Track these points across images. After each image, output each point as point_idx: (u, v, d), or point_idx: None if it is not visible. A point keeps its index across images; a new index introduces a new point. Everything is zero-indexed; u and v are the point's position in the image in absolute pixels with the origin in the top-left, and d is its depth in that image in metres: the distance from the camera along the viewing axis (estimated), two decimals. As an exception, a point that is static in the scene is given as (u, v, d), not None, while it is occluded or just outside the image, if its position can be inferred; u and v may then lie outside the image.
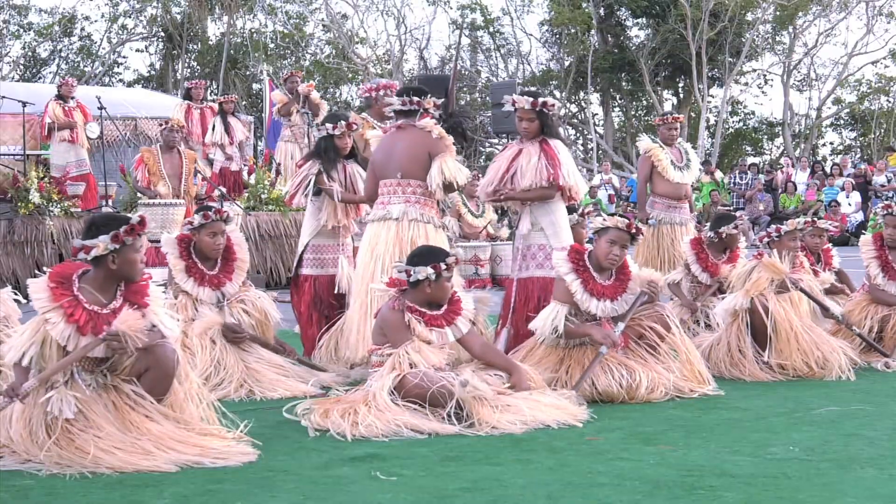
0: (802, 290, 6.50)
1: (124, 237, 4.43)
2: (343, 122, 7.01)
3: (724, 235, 7.63)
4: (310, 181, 6.95)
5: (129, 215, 4.59)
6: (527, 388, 5.23)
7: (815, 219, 7.62)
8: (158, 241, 7.63)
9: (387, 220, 6.25)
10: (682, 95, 34.84)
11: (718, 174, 23.13)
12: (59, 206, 11.70)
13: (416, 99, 6.41)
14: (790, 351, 6.27)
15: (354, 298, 6.39)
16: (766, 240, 6.83)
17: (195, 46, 36.09)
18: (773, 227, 6.83)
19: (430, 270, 5.27)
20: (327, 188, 6.89)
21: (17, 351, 4.35)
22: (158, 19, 35.70)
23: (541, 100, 6.23)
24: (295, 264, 7.28)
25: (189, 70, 36.15)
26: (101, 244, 4.42)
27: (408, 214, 6.22)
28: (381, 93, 7.97)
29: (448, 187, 6.35)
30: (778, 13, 33.07)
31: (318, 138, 7.15)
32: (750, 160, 30.65)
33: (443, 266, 5.29)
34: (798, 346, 6.28)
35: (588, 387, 5.51)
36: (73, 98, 13.64)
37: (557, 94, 35.29)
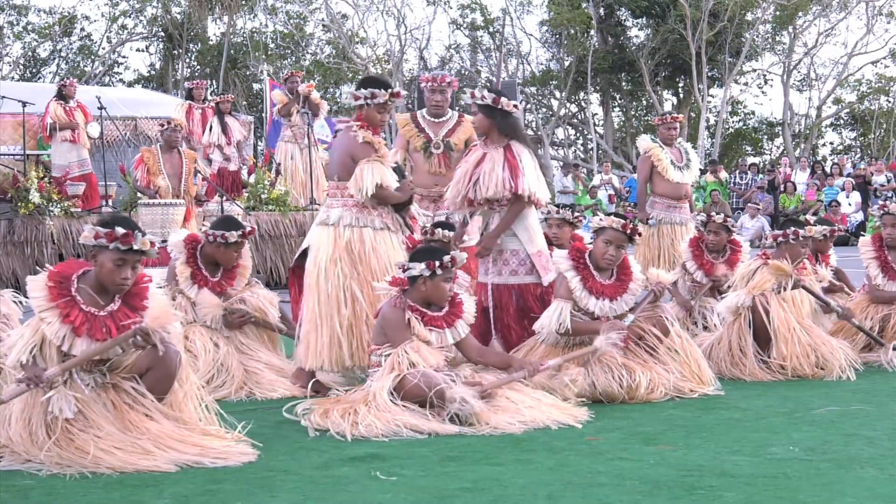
0: (804, 287, 6.49)
1: (99, 237, 4.42)
2: None
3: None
4: None
5: (126, 222, 4.53)
6: (529, 367, 5.31)
7: (830, 227, 7.49)
8: (160, 242, 7.63)
9: (326, 225, 5.94)
10: (682, 95, 34.87)
11: (723, 174, 23.07)
12: (59, 206, 11.72)
13: (361, 93, 5.83)
14: (789, 351, 6.27)
15: (304, 308, 6.00)
16: (779, 239, 6.66)
17: (195, 46, 36.09)
18: (792, 229, 6.62)
19: (423, 267, 5.27)
20: None
21: (17, 353, 4.35)
22: (158, 19, 35.70)
23: (478, 92, 6.01)
24: (297, 255, 7.28)
25: (189, 70, 36.16)
26: (88, 234, 4.47)
27: (343, 219, 5.86)
28: (428, 85, 7.44)
29: (384, 197, 5.81)
30: (778, 13, 33.09)
31: None
32: (750, 160, 30.66)
33: (437, 264, 5.29)
34: (798, 347, 6.27)
35: (588, 387, 5.52)
36: (73, 98, 13.66)
37: (557, 94, 35.33)
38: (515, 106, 6.10)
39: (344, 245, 5.82)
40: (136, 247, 4.43)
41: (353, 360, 5.80)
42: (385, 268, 5.75)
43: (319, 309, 5.84)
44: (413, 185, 6.29)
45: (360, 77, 34.23)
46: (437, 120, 7.21)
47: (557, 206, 7.45)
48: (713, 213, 7.80)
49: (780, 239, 6.65)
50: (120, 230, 4.43)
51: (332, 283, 5.79)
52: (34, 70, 35.58)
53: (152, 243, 4.51)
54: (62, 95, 13.56)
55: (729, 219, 7.82)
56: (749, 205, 20.44)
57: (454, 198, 6.22)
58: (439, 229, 6.55)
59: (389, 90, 5.82)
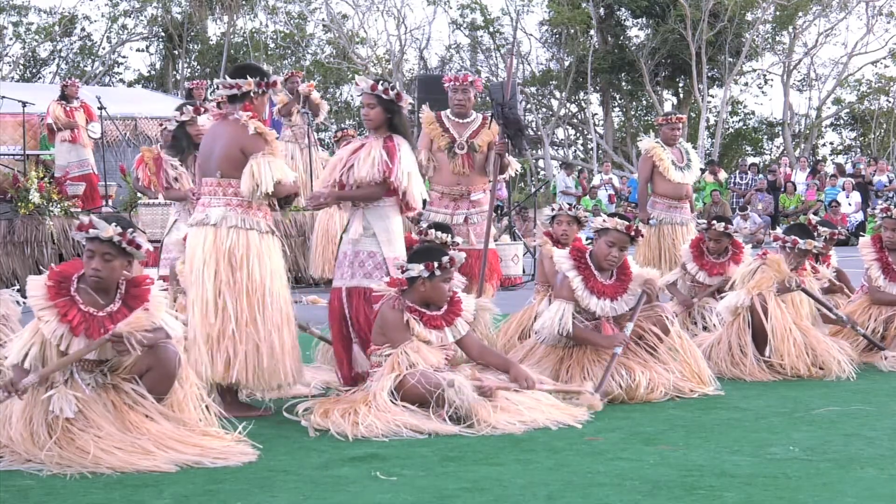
0: (804, 290, 6.50)
1: (83, 229, 4.45)
2: (190, 108, 6.80)
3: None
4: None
5: (121, 220, 4.55)
6: (526, 379, 5.27)
7: (831, 230, 7.45)
8: (159, 242, 7.64)
9: (205, 225, 5.35)
10: (682, 95, 34.84)
11: (722, 174, 23.04)
12: (59, 206, 11.72)
13: (239, 82, 5.36)
14: (785, 351, 6.28)
15: (191, 321, 5.36)
16: (778, 242, 6.70)
17: (195, 46, 36.09)
18: (792, 238, 6.60)
19: (422, 268, 5.27)
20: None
21: (17, 352, 4.36)
22: (159, 19, 35.69)
23: (381, 86, 5.64)
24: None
25: (189, 70, 36.16)
26: (78, 234, 4.51)
27: (227, 220, 5.30)
28: (451, 84, 7.32)
29: (280, 192, 5.35)
30: (778, 13, 33.08)
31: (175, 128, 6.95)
32: (750, 160, 30.64)
33: (435, 265, 5.29)
34: (794, 347, 6.28)
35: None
36: (76, 98, 13.67)
37: (557, 94, 35.33)
38: (410, 103, 5.80)
39: (226, 249, 5.28)
40: (91, 234, 4.42)
41: (214, 377, 5.23)
42: (266, 275, 5.29)
43: (192, 319, 5.31)
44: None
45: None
46: (461, 120, 7.22)
47: (570, 204, 7.49)
48: (714, 222, 7.79)
49: (780, 243, 6.67)
50: (84, 220, 4.45)
51: (203, 289, 5.27)
52: (34, 70, 35.59)
53: (131, 240, 4.46)
54: (64, 96, 13.57)
55: (730, 226, 7.82)
56: (740, 212, 20.53)
57: (324, 181, 5.83)
58: (433, 230, 6.48)
59: (273, 79, 5.45)
